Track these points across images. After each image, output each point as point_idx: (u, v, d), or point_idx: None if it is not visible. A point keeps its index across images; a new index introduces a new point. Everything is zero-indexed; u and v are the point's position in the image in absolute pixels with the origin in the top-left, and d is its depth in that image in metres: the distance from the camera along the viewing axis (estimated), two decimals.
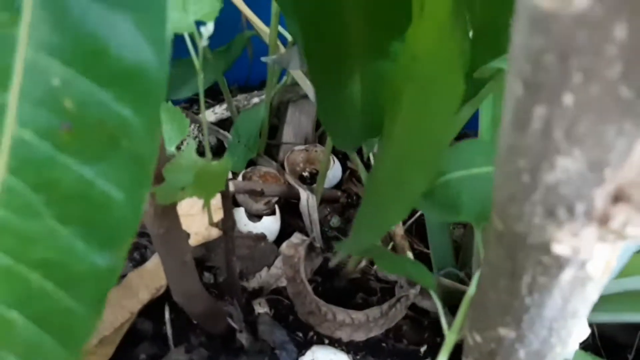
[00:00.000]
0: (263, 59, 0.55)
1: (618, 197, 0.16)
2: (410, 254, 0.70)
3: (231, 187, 0.68)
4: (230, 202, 0.45)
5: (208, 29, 0.30)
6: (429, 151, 0.24)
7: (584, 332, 0.47)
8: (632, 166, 0.15)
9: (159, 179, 0.36)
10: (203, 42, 0.31)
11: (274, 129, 0.82)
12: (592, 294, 0.21)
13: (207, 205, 0.45)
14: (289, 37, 0.68)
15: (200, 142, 0.80)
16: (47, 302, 0.19)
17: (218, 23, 0.73)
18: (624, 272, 0.48)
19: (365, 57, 0.28)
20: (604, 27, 0.12)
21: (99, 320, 0.20)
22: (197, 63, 0.32)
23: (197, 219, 0.60)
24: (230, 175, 0.75)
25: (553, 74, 0.13)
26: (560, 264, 0.18)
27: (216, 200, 0.52)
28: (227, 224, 0.47)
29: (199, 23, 0.31)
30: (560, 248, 0.17)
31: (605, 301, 0.52)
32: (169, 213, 0.38)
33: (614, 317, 0.52)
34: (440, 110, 0.22)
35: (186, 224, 0.59)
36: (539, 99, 0.14)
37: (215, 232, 0.61)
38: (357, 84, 0.29)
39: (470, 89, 0.27)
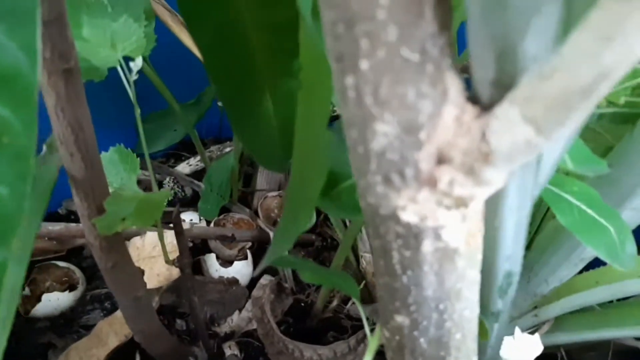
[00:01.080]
0: (220, 103, 0.57)
1: (441, 159, 0.17)
2: None
3: (201, 234, 0.69)
4: (185, 239, 0.47)
5: (137, 63, 0.33)
6: (318, 152, 0.26)
7: (537, 347, 0.47)
8: (445, 128, 0.17)
9: (101, 211, 0.38)
10: (133, 76, 0.33)
11: (249, 177, 0.84)
12: (469, 272, 0.22)
13: (161, 242, 0.46)
14: None
15: (176, 193, 0.82)
16: None
17: (187, 77, 0.77)
18: (577, 288, 0.49)
19: (272, 77, 0.30)
20: None
21: None
22: (131, 95, 0.35)
23: (159, 260, 0.61)
24: (203, 224, 0.76)
25: (346, 42, 0.15)
26: (414, 233, 0.20)
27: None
28: (183, 262, 0.48)
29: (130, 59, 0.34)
30: (406, 215, 0.19)
31: (564, 321, 0.52)
32: (115, 247, 0.40)
33: (576, 336, 0.52)
34: (321, 112, 0.24)
35: (149, 265, 0.60)
36: (345, 69, 0.16)
37: (176, 272, 0.62)
38: (269, 103, 0.31)
39: None
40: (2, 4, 0.19)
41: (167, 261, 0.48)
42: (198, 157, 0.85)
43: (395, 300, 0.24)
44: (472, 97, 0.17)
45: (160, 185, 0.83)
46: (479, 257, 0.22)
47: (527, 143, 0.15)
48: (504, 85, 0.16)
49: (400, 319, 0.25)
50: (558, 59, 0.14)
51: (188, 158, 0.87)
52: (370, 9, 0.14)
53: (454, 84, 0.17)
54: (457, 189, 0.18)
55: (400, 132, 0.17)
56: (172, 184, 0.82)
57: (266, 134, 0.32)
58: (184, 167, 0.85)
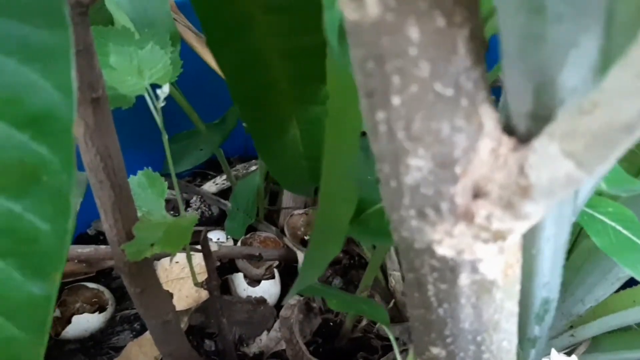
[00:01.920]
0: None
1: (477, 193, 0.17)
2: None
3: (229, 253, 0.69)
4: (213, 261, 0.47)
5: (164, 90, 0.33)
6: (347, 180, 0.25)
7: None
8: (481, 162, 0.16)
9: (130, 237, 0.38)
10: (160, 103, 0.33)
11: (274, 195, 0.84)
12: (507, 303, 0.22)
13: (189, 264, 0.46)
14: None
15: (203, 212, 0.83)
16: None
17: (212, 97, 0.77)
18: (614, 308, 0.48)
19: (298, 104, 0.30)
20: (399, 31, 0.14)
21: (43, 347, 0.22)
22: (159, 121, 0.35)
23: (188, 281, 0.61)
24: (230, 243, 0.76)
25: (377, 79, 0.15)
26: (450, 267, 0.19)
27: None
28: (211, 284, 0.48)
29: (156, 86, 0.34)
30: (442, 249, 0.18)
31: (601, 341, 0.51)
32: (144, 271, 0.40)
33: (614, 356, 0.50)
34: (349, 141, 0.24)
35: (178, 287, 0.60)
36: (376, 105, 0.16)
37: (204, 294, 0.62)
38: (295, 129, 0.31)
39: None
40: (36, 44, 0.19)
41: (196, 283, 0.47)
42: (224, 176, 0.85)
43: (430, 332, 0.23)
44: (508, 128, 0.17)
45: (187, 204, 0.83)
46: (517, 287, 0.22)
47: (568, 178, 0.15)
48: (541, 118, 0.16)
49: (436, 350, 0.24)
50: (598, 94, 0.13)
51: (214, 177, 0.87)
52: (401, 46, 0.14)
53: (489, 117, 0.16)
54: (495, 223, 0.17)
55: (434, 166, 0.16)
56: (199, 203, 0.83)
57: (292, 160, 0.32)
58: (210, 186, 0.85)
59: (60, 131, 0.20)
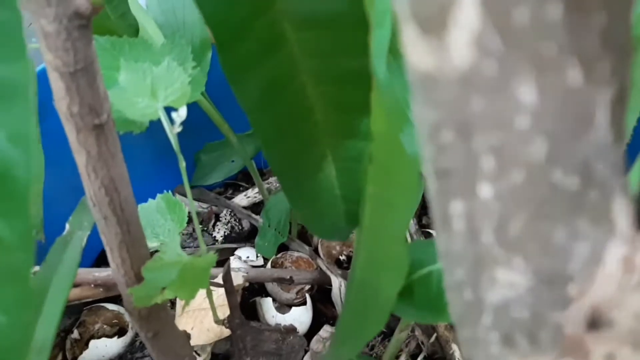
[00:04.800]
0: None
1: (596, 322, 0.11)
2: (455, 348, 0.63)
3: (258, 277, 0.64)
4: (236, 298, 0.42)
5: (180, 114, 0.28)
6: (397, 244, 0.20)
7: None
8: (608, 279, 0.11)
9: (140, 278, 0.33)
10: (176, 129, 0.28)
11: None
12: None
13: (210, 301, 0.42)
14: None
15: (232, 227, 0.78)
16: None
17: None
18: None
19: (335, 138, 0.25)
20: (503, 89, 0.08)
21: None
22: (174, 146, 0.30)
23: (209, 313, 0.57)
24: (260, 261, 0.72)
25: (457, 157, 0.10)
26: None
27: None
28: (234, 322, 0.43)
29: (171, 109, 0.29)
30: None
31: None
32: (156, 314, 0.35)
33: None
34: (401, 193, 0.19)
35: (199, 318, 0.56)
36: (452, 191, 0.10)
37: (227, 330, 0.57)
38: (330, 167, 0.26)
39: None
40: None
41: (217, 321, 0.43)
42: (257, 189, 0.80)
43: None
44: None
45: (217, 217, 0.79)
46: None
47: None
48: None
49: None
50: None
51: (246, 189, 0.82)
52: (503, 112, 0.09)
53: (623, 212, 0.10)
54: None
55: (536, 284, 0.11)
56: (229, 217, 0.78)
57: (327, 203, 0.27)
58: (241, 199, 0.80)
59: (16, 197, 0.15)
